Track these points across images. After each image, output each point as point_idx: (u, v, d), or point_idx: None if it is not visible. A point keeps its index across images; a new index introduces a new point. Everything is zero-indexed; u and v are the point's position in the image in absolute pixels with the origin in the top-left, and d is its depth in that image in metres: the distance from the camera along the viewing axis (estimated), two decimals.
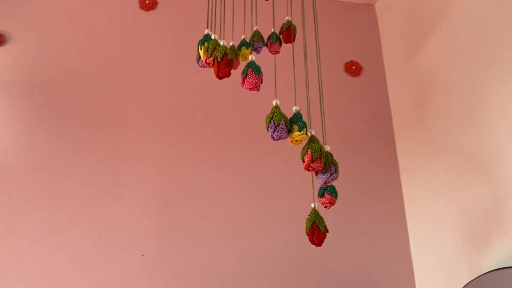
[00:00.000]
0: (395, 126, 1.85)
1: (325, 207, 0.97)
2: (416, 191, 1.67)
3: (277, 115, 0.83)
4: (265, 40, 1.21)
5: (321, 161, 0.85)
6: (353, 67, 1.91)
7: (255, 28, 1.22)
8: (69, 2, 1.80)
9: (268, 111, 1.68)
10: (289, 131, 0.85)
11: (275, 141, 0.86)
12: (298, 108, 0.87)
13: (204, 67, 1.01)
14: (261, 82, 0.88)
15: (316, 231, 0.96)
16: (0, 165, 1.49)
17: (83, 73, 1.69)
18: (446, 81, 1.51)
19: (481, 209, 1.32)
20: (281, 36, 1.21)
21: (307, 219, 0.99)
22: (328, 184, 0.89)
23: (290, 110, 0.88)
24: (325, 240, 0.97)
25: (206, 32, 0.98)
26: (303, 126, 0.85)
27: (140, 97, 1.69)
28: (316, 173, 0.89)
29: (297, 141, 0.85)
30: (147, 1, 1.81)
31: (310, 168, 0.86)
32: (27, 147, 1.54)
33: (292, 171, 1.66)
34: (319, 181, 0.89)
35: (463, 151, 1.41)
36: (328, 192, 0.95)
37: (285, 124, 0.83)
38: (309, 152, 0.84)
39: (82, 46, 1.73)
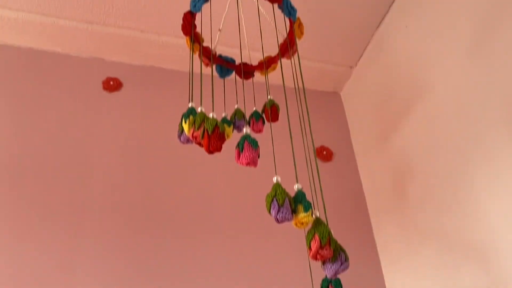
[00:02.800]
0: (371, 212, 1.78)
1: None
2: (401, 283, 1.54)
3: (280, 193, 0.72)
4: (247, 119, 1.14)
5: (331, 248, 0.73)
6: (324, 152, 1.87)
7: (236, 106, 1.15)
8: (24, 78, 1.67)
9: (249, 190, 1.54)
10: (293, 212, 0.73)
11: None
12: (300, 186, 0.77)
13: (188, 142, 0.90)
14: (258, 157, 0.78)
15: None
16: None
17: (41, 159, 1.51)
18: (425, 164, 1.49)
19: None
20: (263, 115, 1.15)
21: None
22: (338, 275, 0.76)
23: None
24: None
25: (190, 105, 0.89)
26: (308, 207, 0.74)
27: (104, 182, 1.52)
28: (323, 262, 0.76)
29: (302, 223, 0.73)
30: (111, 83, 1.72)
31: (318, 256, 0.73)
32: None
33: (285, 261, 1.51)
34: (327, 272, 0.75)
35: (451, 235, 1.34)
36: (333, 286, 0.82)
37: (289, 203, 0.72)
38: (317, 237, 0.72)
39: (37, 127, 1.57)
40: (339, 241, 1.60)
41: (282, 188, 0.73)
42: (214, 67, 1.17)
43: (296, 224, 0.74)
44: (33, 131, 1.56)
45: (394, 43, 1.74)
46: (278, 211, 0.71)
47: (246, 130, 0.80)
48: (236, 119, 1.11)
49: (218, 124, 0.79)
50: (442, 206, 1.38)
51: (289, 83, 1.21)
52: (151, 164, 1.61)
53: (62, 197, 1.45)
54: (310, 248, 0.73)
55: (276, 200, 0.71)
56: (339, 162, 1.88)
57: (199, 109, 0.86)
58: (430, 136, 1.48)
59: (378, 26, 1.84)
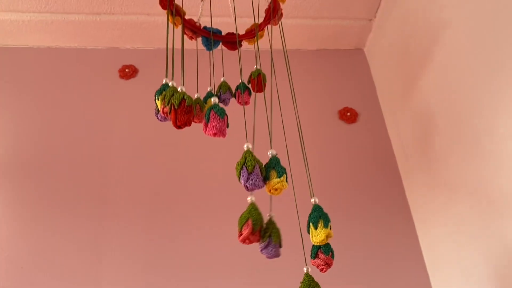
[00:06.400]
0: (402, 171, 1.68)
1: (321, 270, 0.79)
2: (435, 239, 1.46)
3: (250, 159, 0.69)
4: (233, 91, 1.10)
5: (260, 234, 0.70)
6: (348, 114, 1.78)
7: (222, 79, 1.11)
8: (46, 77, 1.75)
9: None
10: (266, 178, 0.70)
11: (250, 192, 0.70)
12: (274, 152, 0.73)
13: (163, 119, 0.88)
14: (227, 127, 0.75)
15: None
16: None
17: (62, 151, 1.58)
18: (449, 113, 1.37)
19: None
20: (249, 86, 1.10)
21: None
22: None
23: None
24: None
25: (164, 81, 0.87)
26: (282, 172, 0.70)
27: (125, 167, 1.58)
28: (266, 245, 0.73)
29: (276, 189, 0.70)
30: (126, 70, 1.75)
31: (247, 241, 0.69)
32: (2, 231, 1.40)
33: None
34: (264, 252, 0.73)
35: (485, 187, 1.23)
36: (323, 251, 0.78)
37: (259, 170, 0.69)
38: (250, 222, 0.68)
39: (61, 122, 1.65)
40: (369, 206, 1.53)
41: (252, 155, 0.70)
42: (199, 39, 1.13)
43: (270, 191, 0.71)
44: (57, 126, 1.64)
45: None
46: (248, 178, 0.68)
47: (214, 100, 0.76)
48: (221, 93, 1.08)
49: (185, 97, 0.76)
50: (473, 157, 1.27)
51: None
52: (171, 147, 1.63)
53: (84, 184, 1.52)
54: (241, 231, 0.69)
55: (246, 167, 0.68)
56: (365, 122, 1.79)
57: (170, 84, 0.83)
58: (449, 78, 1.35)
59: None
